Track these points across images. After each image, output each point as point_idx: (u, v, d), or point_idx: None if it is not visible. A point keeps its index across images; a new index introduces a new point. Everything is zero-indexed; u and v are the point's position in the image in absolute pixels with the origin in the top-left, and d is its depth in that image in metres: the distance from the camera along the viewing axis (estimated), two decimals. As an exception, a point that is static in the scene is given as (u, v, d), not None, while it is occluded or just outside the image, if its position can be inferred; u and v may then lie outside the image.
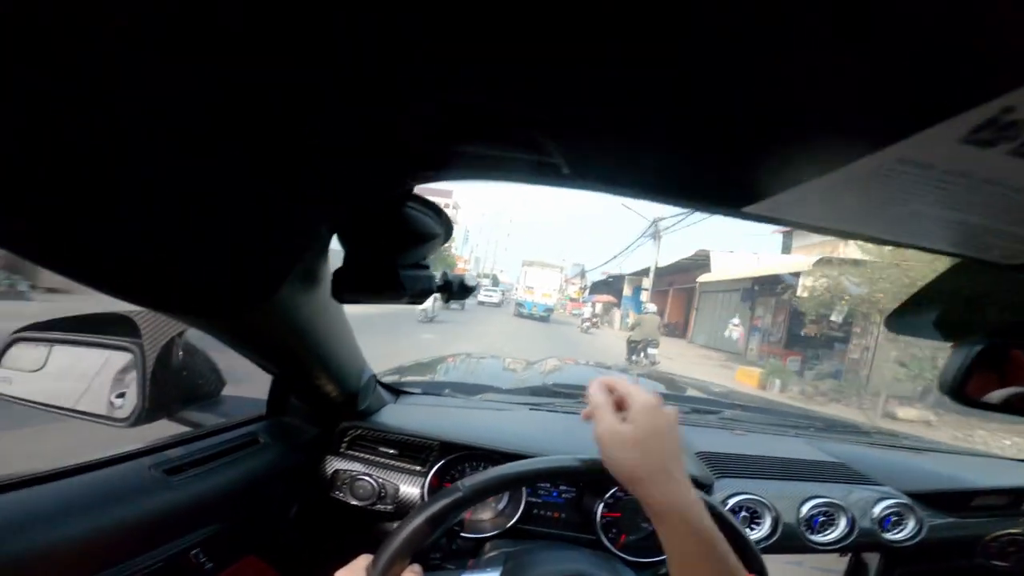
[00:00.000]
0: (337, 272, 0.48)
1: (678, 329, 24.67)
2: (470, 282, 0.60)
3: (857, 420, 1.97)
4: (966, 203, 0.27)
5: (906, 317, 0.61)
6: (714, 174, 0.32)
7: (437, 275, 0.55)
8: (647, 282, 21.38)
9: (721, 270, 18.01)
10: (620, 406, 0.62)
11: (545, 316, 24.11)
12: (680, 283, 24.69)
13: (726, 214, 0.34)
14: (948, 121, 0.20)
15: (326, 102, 0.28)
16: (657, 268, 20.53)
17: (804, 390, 10.57)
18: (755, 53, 0.20)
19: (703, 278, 19.04)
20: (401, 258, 0.48)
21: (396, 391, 1.31)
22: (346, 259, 0.47)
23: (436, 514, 0.63)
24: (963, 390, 0.58)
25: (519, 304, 25.30)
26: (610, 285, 36.92)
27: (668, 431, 0.59)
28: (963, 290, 0.53)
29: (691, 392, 2.06)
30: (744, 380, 11.17)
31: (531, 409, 1.36)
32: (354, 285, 0.48)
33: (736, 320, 17.17)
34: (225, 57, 0.23)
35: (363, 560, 0.61)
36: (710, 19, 0.18)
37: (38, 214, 0.32)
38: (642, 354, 10.67)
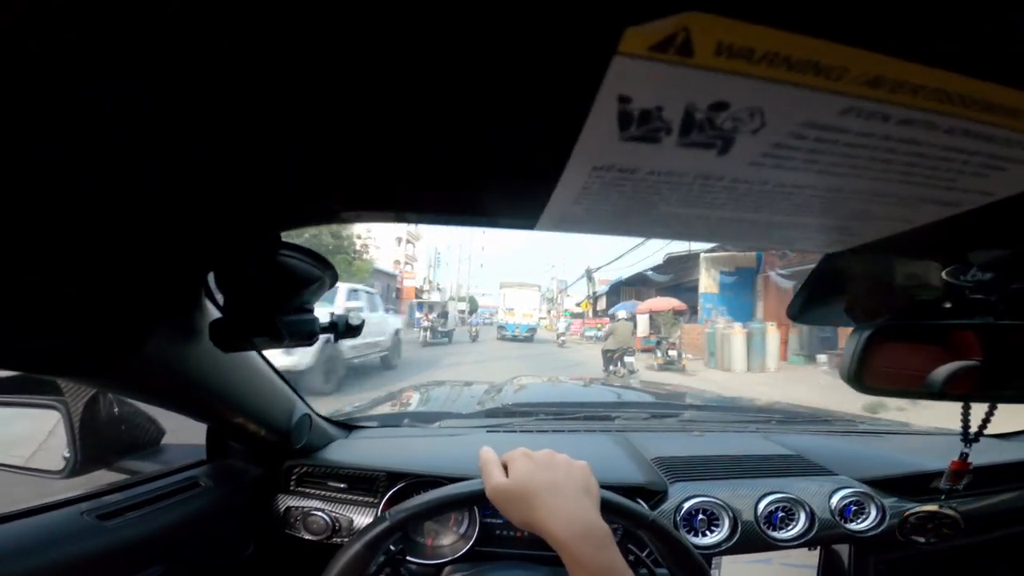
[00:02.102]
0: (214, 322, 0.49)
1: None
2: (354, 322, 0.61)
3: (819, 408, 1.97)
4: (708, 200, 0.28)
5: (805, 306, 0.62)
6: (504, 199, 0.34)
7: (322, 317, 0.55)
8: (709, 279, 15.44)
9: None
10: (505, 465, 0.66)
11: (529, 336, 23.83)
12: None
13: (527, 228, 0.37)
14: (588, 122, 0.21)
15: (187, 163, 0.29)
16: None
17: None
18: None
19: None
20: (282, 304, 0.48)
21: (348, 427, 1.30)
22: (224, 308, 0.48)
23: (365, 546, 0.63)
24: (861, 376, 0.59)
25: (501, 327, 24.92)
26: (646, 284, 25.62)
27: (548, 470, 0.64)
28: (842, 276, 0.54)
29: (648, 398, 2.07)
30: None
31: (488, 431, 1.36)
32: (233, 334, 0.49)
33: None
34: (88, 122, 0.24)
35: None
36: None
37: None
38: (619, 363, 10.52)
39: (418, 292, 37.32)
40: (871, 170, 0.25)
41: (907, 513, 1.12)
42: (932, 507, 1.11)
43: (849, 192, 0.27)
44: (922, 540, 1.12)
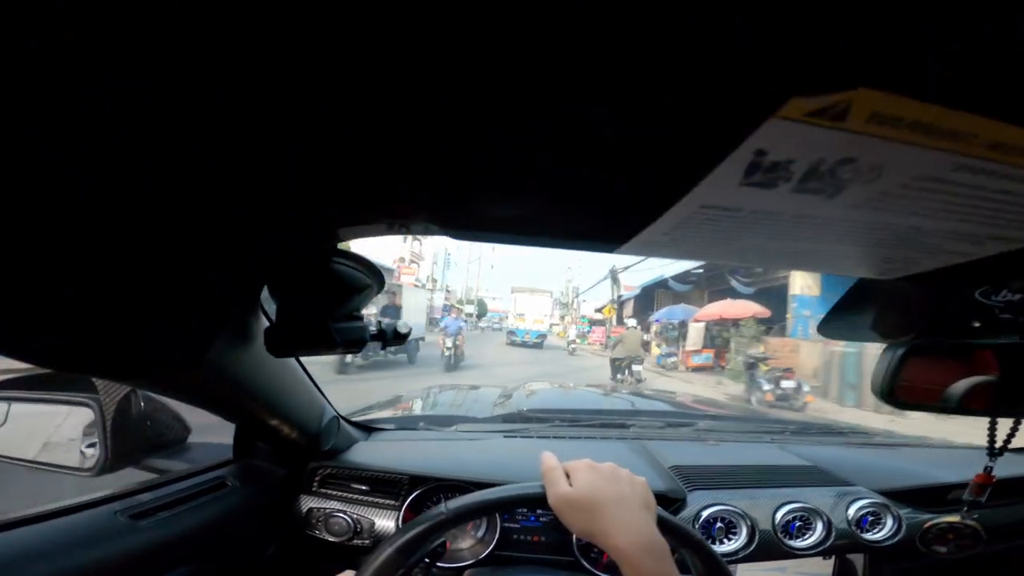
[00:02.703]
0: (269, 328, 0.50)
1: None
2: (402, 329, 0.62)
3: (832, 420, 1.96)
4: (797, 234, 0.29)
5: (837, 322, 0.63)
6: (577, 224, 0.35)
7: (371, 325, 0.56)
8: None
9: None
10: (568, 474, 0.68)
11: (539, 343, 23.53)
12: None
13: (607, 252, 0.38)
14: (718, 169, 0.22)
15: (247, 177, 0.30)
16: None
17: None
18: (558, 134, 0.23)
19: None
20: (332, 311, 0.49)
21: (368, 429, 1.31)
22: (278, 315, 0.49)
23: (418, 535, 0.64)
24: (894, 391, 0.60)
25: (511, 332, 24.67)
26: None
27: (614, 483, 0.65)
28: (880, 295, 0.55)
29: (666, 407, 2.07)
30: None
31: (505, 436, 1.36)
32: (286, 340, 0.50)
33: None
34: (153, 136, 0.25)
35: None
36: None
37: None
38: (627, 372, 10.42)
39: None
40: (957, 214, 0.26)
41: (929, 524, 1.12)
42: (954, 518, 1.12)
43: (929, 231, 0.29)
44: (943, 550, 1.12)
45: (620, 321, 22.22)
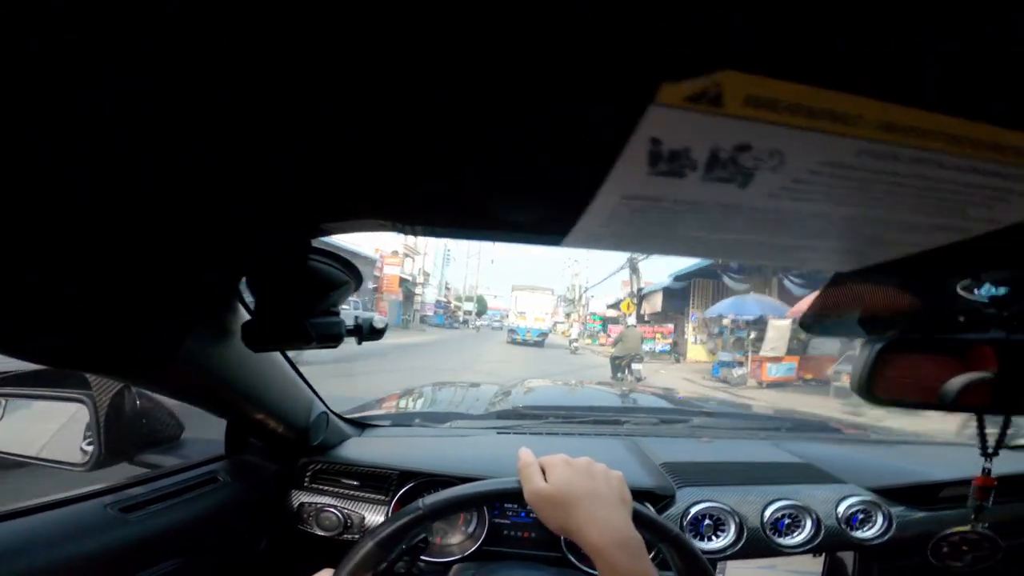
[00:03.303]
0: (246, 324, 0.51)
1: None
2: (379, 324, 0.63)
3: (828, 416, 1.96)
4: (730, 225, 0.29)
5: (818, 318, 0.63)
6: (527, 216, 0.36)
7: (348, 319, 0.57)
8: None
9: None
10: (544, 469, 0.68)
11: (540, 341, 23.44)
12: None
13: (553, 244, 0.38)
14: (623, 158, 0.23)
15: (223, 178, 0.31)
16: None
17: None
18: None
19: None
20: (310, 307, 0.50)
21: (361, 424, 1.32)
22: (255, 310, 0.50)
23: (394, 531, 0.64)
24: (871, 388, 0.60)
25: (512, 331, 24.48)
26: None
27: (588, 479, 0.65)
28: (855, 291, 0.55)
29: (657, 403, 2.08)
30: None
31: (498, 433, 1.37)
32: (264, 335, 0.51)
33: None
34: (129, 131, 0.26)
35: (324, 573, 0.64)
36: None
37: None
38: (627, 371, 10.31)
39: (406, 284, 30.25)
40: (883, 201, 0.26)
41: (938, 537, 1.11)
42: (965, 528, 1.10)
43: (863, 220, 0.29)
44: (959, 564, 1.11)
45: (641, 319, 19.86)
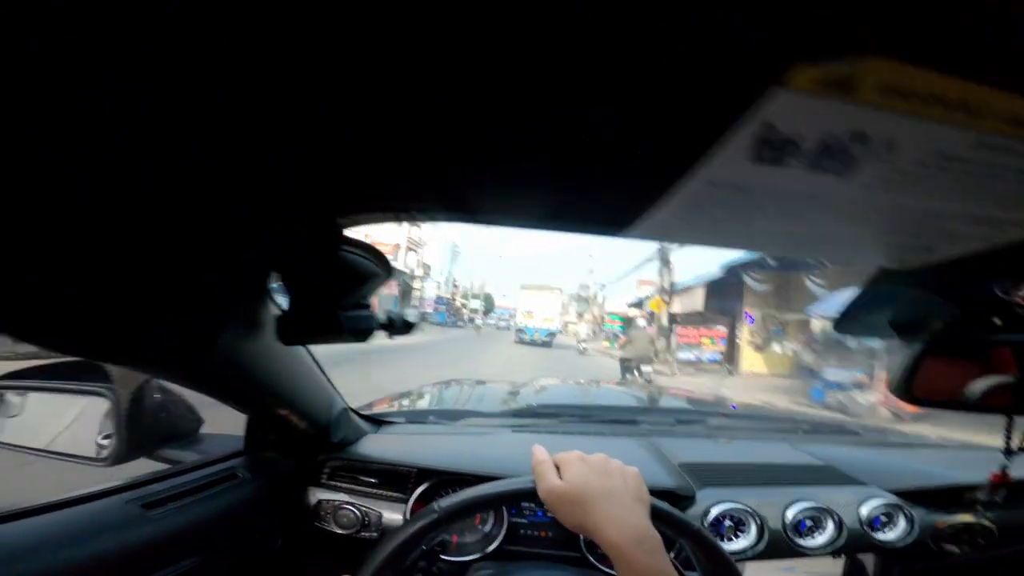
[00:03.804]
0: (279, 317, 0.50)
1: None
2: (412, 319, 0.62)
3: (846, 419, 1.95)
4: (809, 217, 0.29)
5: (855, 318, 0.62)
6: (588, 205, 0.35)
7: (380, 313, 0.56)
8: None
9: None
10: (558, 467, 0.67)
11: (548, 341, 23.35)
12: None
13: (613, 235, 0.37)
14: (729, 143, 0.22)
15: (257, 168, 0.30)
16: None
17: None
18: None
19: None
20: (341, 300, 0.50)
21: (378, 421, 1.31)
22: (288, 304, 0.49)
23: (412, 536, 0.64)
24: (911, 388, 0.59)
25: (519, 330, 24.45)
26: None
27: (604, 476, 0.64)
28: (902, 290, 0.55)
29: (673, 403, 2.07)
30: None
31: (514, 431, 1.36)
32: (296, 328, 0.50)
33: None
34: (168, 128, 0.25)
35: None
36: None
37: None
38: (636, 372, 10.15)
39: (404, 278, 27.71)
40: (975, 195, 0.26)
41: (941, 523, 1.11)
42: (967, 517, 1.11)
43: (947, 215, 0.28)
44: (956, 550, 1.11)
45: (673, 320, 16.36)
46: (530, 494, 0.67)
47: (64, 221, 0.32)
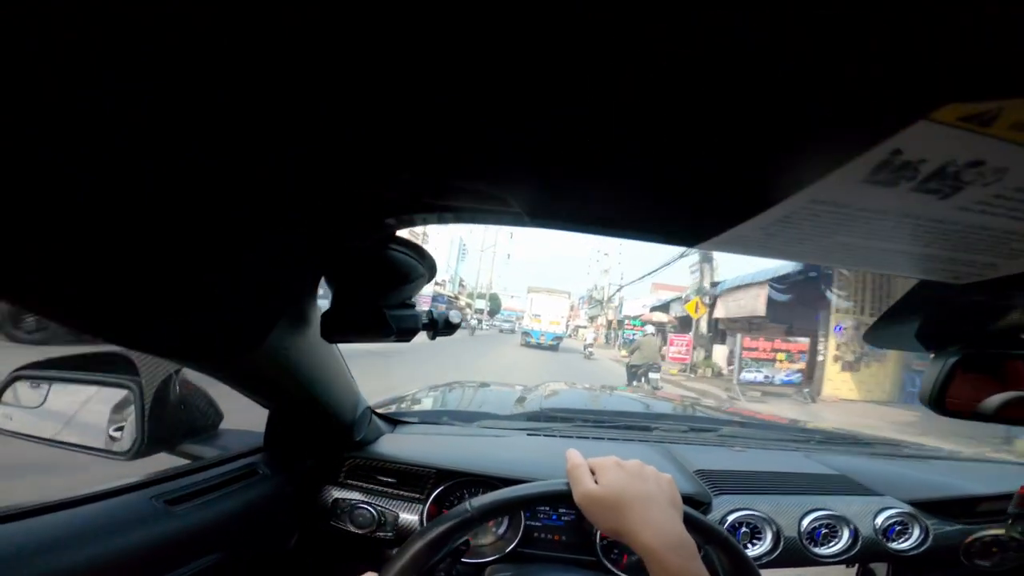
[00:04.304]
0: (325, 314, 0.51)
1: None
2: (454, 319, 0.62)
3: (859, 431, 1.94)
4: (892, 234, 0.29)
5: (886, 330, 0.62)
6: (666, 213, 0.35)
7: (423, 313, 0.57)
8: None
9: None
10: (593, 471, 0.67)
11: (554, 345, 23.23)
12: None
13: (686, 245, 0.37)
14: (846, 166, 0.22)
15: (311, 171, 0.31)
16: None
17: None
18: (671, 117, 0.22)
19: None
20: (386, 298, 0.50)
21: (393, 421, 1.32)
22: (334, 301, 0.49)
23: (443, 533, 0.64)
24: (943, 400, 0.59)
25: (526, 333, 24.35)
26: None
27: (640, 481, 0.65)
28: (936, 302, 0.55)
29: (689, 411, 2.06)
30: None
31: (528, 435, 1.37)
32: (342, 326, 0.51)
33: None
34: (221, 131, 0.25)
35: None
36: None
37: (45, 266, 0.34)
38: (643, 379, 10.08)
39: None
40: None
41: (971, 538, 1.11)
42: (998, 531, 1.11)
43: (1017, 234, 0.29)
44: (987, 564, 1.12)
45: (715, 327, 14.11)
46: (565, 497, 0.67)
47: (138, 219, 0.33)
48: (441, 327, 0.60)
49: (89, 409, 0.96)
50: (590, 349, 20.65)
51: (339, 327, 0.50)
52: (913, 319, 0.59)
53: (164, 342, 0.47)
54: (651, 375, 10.07)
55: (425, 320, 0.57)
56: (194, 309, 0.43)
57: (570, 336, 27.16)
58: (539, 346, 22.66)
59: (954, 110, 0.18)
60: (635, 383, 10.12)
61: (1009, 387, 0.60)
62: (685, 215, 0.34)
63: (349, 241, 0.44)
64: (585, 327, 36.78)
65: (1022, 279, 0.37)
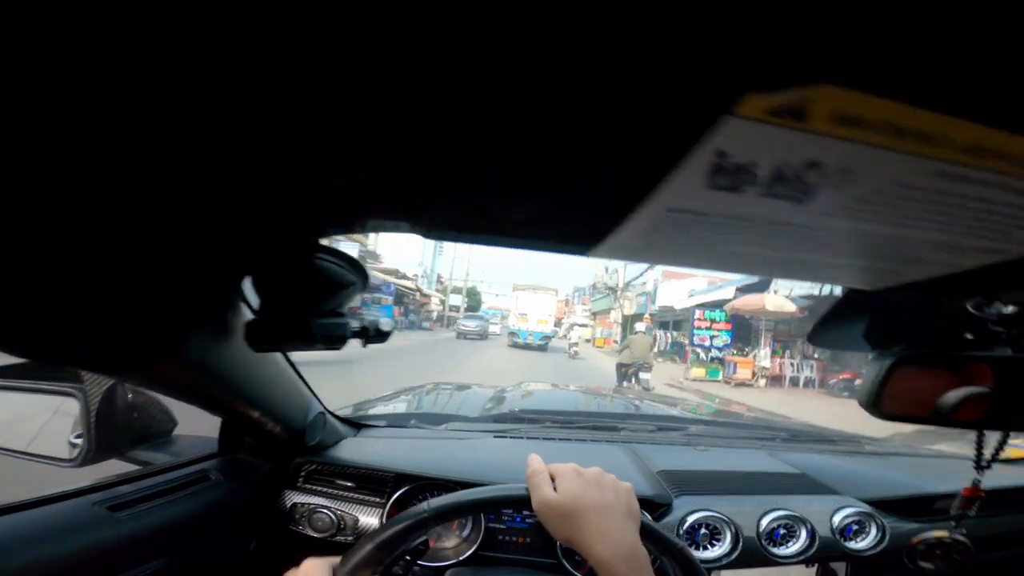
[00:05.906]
0: (249, 323, 0.50)
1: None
2: (385, 327, 0.61)
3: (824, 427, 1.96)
4: (776, 242, 0.29)
5: (827, 331, 0.62)
6: (561, 228, 0.35)
7: (353, 321, 0.56)
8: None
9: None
10: (553, 478, 0.67)
11: (543, 345, 22.70)
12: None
13: (577, 254, 0.37)
14: (682, 171, 0.22)
15: (228, 177, 0.30)
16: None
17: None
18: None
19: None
20: (314, 307, 0.49)
21: (357, 425, 1.31)
22: (259, 310, 0.48)
23: (398, 532, 0.63)
24: (879, 402, 0.59)
25: (512, 333, 23.75)
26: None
27: (598, 490, 0.65)
28: (869, 304, 0.55)
29: (654, 410, 2.07)
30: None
31: (495, 436, 1.36)
32: (266, 335, 0.49)
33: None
34: (136, 131, 0.25)
35: (309, 563, 0.62)
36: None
37: None
38: (633, 379, 9.82)
39: None
40: (937, 223, 0.26)
41: (916, 539, 1.12)
42: (942, 533, 1.11)
43: (911, 241, 0.28)
44: (931, 566, 1.12)
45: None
46: (524, 502, 0.67)
47: (24, 223, 0.32)
48: (372, 335, 0.59)
49: (38, 417, 0.94)
50: (575, 348, 20.18)
51: (264, 336, 0.49)
52: (851, 319, 0.59)
53: (63, 351, 0.46)
54: (642, 375, 9.80)
55: (356, 328, 0.56)
56: (91, 317, 0.42)
57: (564, 336, 26.53)
58: (527, 347, 22.20)
59: (757, 103, 0.18)
60: (625, 383, 9.86)
61: (950, 389, 0.61)
62: (567, 227, 0.34)
63: (273, 251, 0.43)
64: (584, 325, 33.46)
65: (940, 283, 0.36)
